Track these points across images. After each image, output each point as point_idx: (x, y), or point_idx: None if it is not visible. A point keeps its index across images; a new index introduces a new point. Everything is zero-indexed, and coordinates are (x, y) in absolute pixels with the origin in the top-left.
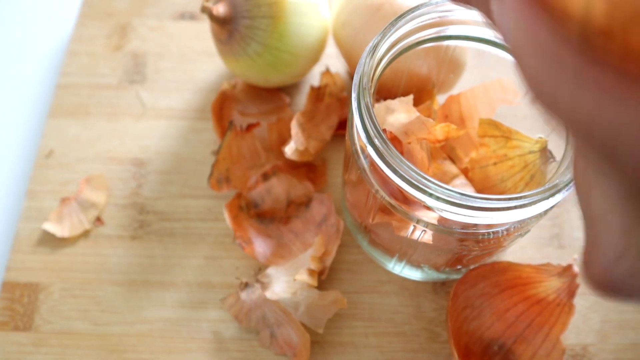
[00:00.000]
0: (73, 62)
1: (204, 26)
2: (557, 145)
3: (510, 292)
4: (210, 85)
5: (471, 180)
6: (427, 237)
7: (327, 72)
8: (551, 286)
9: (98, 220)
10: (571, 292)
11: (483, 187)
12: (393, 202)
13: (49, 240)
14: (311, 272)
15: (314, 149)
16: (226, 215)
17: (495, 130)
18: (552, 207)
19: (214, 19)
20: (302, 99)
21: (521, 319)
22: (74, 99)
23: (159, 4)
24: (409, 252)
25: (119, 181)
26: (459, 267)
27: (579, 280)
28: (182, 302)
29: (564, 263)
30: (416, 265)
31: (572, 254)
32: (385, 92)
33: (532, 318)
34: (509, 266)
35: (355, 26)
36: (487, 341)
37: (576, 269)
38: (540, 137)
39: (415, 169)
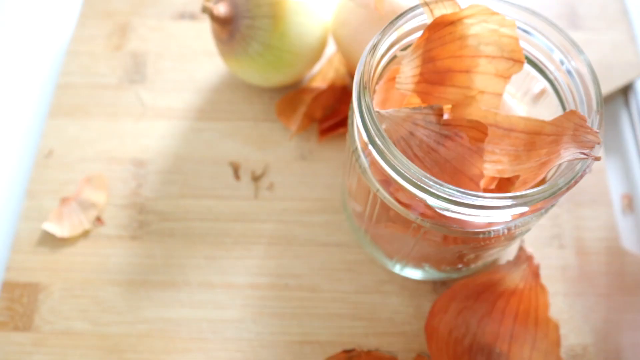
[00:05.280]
0: (73, 62)
1: (204, 26)
2: None
3: (485, 296)
4: (210, 85)
5: None
6: (428, 236)
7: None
8: (515, 277)
9: (98, 220)
10: (534, 273)
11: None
12: (394, 201)
13: (49, 240)
14: None
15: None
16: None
17: None
18: (552, 206)
19: (215, 18)
20: None
21: (507, 313)
22: (74, 99)
23: (159, 4)
24: (409, 251)
25: (119, 181)
26: (459, 266)
27: (537, 261)
28: (182, 302)
29: (564, 263)
30: (417, 264)
31: (572, 254)
32: None
33: (515, 309)
34: (468, 280)
35: (354, 26)
36: (487, 349)
37: (529, 250)
38: None
39: (417, 168)
